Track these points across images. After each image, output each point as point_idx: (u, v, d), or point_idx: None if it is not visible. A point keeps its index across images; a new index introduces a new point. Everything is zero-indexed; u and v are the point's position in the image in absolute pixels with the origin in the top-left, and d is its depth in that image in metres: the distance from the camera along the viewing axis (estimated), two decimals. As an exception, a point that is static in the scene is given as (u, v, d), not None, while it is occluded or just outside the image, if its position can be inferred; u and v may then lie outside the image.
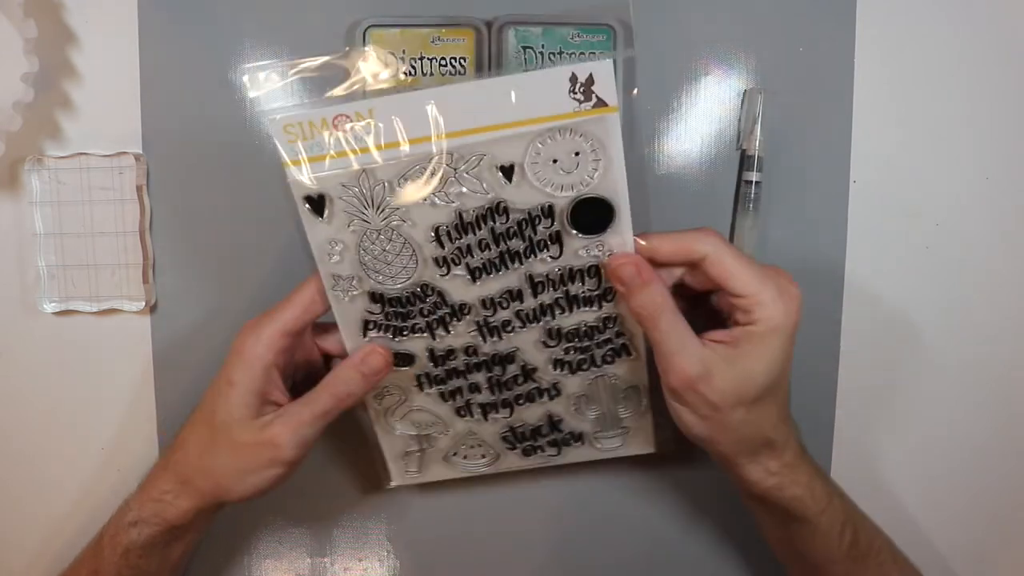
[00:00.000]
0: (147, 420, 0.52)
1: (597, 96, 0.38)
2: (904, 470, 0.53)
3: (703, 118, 0.50)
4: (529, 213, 0.40)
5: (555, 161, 0.39)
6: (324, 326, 0.44)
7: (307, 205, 0.40)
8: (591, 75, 0.37)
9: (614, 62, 0.37)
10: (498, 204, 0.40)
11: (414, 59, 0.48)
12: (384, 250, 0.41)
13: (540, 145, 0.39)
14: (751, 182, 0.50)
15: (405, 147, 0.38)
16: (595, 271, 0.42)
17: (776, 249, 0.51)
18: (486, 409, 0.46)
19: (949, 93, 0.51)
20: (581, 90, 0.38)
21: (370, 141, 0.38)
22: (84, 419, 0.52)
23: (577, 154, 0.39)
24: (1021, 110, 0.51)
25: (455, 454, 0.48)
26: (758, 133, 0.49)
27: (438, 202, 0.40)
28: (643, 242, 0.41)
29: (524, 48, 0.48)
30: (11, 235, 0.51)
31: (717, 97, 0.50)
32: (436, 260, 0.41)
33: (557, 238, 0.41)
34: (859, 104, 0.50)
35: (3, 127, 0.47)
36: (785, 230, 0.51)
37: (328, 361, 0.46)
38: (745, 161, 0.50)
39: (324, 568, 0.54)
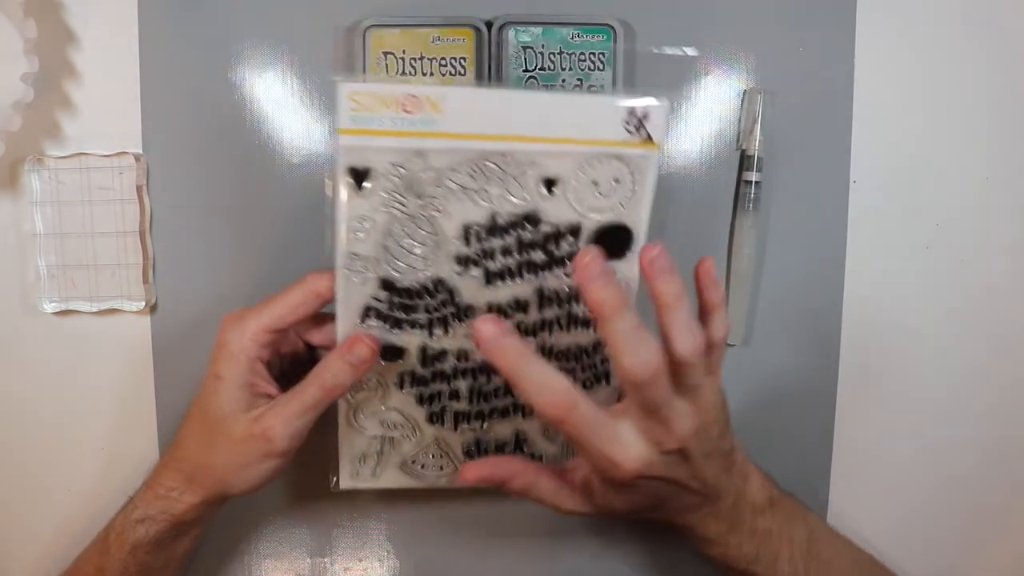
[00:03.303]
0: (147, 420, 0.52)
1: (647, 131, 0.39)
2: (904, 470, 0.53)
3: (703, 118, 0.50)
4: (558, 229, 0.41)
5: (595, 183, 0.40)
6: (314, 321, 0.44)
7: (350, 178, 0.39)
8: (647, 111, 0.39)
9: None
10: (532, 214, 0.41)
11: (414, 59, 0.48)
12: (411, 238, 0.41)
13: (587, 166, 0.40)
14: (751, 182, 0.50)
15: (465, 141, 0.39)
16: None
17: (776, 249, 0.51)
18: (459, 419, 0.46)
19: (949, 93, 0.51)
20: (635, 123, 0.39)
21: (432, 127, 0.38)
22: (84, 419, 0.52)
23: (616, 181, 0.40)
24: (1021, 110, 0.51)
25: (414, 462, 0.48)
26: (758, 133, 0.49)
27: (479, 200, 0.40)
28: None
29: (524, 48, 0.48)
30: (11, 235, 0.51)
31: (717, 97, 0.50)
32: (458, 257, 0.41)
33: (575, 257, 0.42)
34: (859, 104, 0.50)
35: (3, 127, 0.47)
36: (785, 230, 0.51)
37: (313, 350, 0.46)
38: (745, 161, 0.50)
39: (324, 568, 0.54)
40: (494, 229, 0.41)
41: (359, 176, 0.39)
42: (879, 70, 0.50)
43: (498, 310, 0.43)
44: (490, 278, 0.42)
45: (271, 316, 0.42)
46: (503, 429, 0.47)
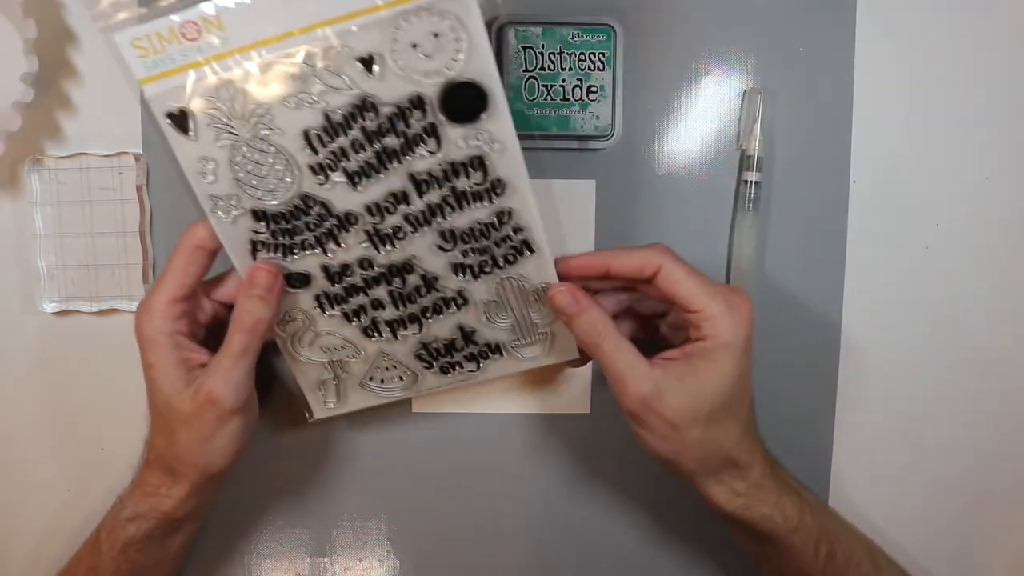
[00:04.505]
0: (147, 420, 0.52)
1: None
2: (904, 470, 0.53)
3: (703, 118, 0.50)
4: (398, 106, 0.38)
5: (415, 46, 0.37)
6: (216, 280, 0.44)
7: (170, 122, 0.38)
8: None
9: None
10: (364, 99, 0.38)
11: None
12: (257, 163, 0.39)
13: (396, 30, 0.37)
14: (751, 182, 0.50)
15: (259, 49, 0.37)
16: (479, 163, 0.40)
17: (776, 249, 0.51)
18: (394, 326, 0.45)
19: (949, 93, 0.51)
20: None
21: (222, 47, 0.37)
22: (84, 419, 0.52)
23: (437, 36, 0.37)
24: (1021, 110, 0.51)
25: (371, 379, 0.47)
26: (758, 133, 0.49)
27: (304, 104, 0.38)
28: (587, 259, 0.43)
29: (524, 48, 0.48)
30: (11, 235, 0.51)
31: (717, 97, 0.50)
32: (312, 168, 0.40)
33: (433, 130, 0.39)
34: (859, 104, 0.50)
35: (3, 127, 0.47)
36: (785, 230, 0.51)
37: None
38: (745, 161, 0.50)
39: (324, 568, 0.54)
40: (333, 128, 0.39)
41: (179, 120, 0.38)
42: (879, 70, 0.50)
43: (377, 209, 0.41)
44: (354, 179, 0.40)
45: (170, 286, 0.41)
46: (443, 326, 0.45)
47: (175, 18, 0.36)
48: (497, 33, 0.48)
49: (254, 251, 0.42)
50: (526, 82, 0.48)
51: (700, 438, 0.41)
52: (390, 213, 0.41)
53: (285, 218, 0.41)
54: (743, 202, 0.50)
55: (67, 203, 0.50)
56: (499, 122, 0.39)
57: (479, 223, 0.42)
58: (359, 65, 0.37)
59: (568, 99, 0.48)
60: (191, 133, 0.39)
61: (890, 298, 0.52)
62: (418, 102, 0.38)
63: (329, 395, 0.47)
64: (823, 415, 0.52)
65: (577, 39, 0.48)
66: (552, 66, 0.48)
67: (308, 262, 0.42)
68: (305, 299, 0.44)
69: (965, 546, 0.54)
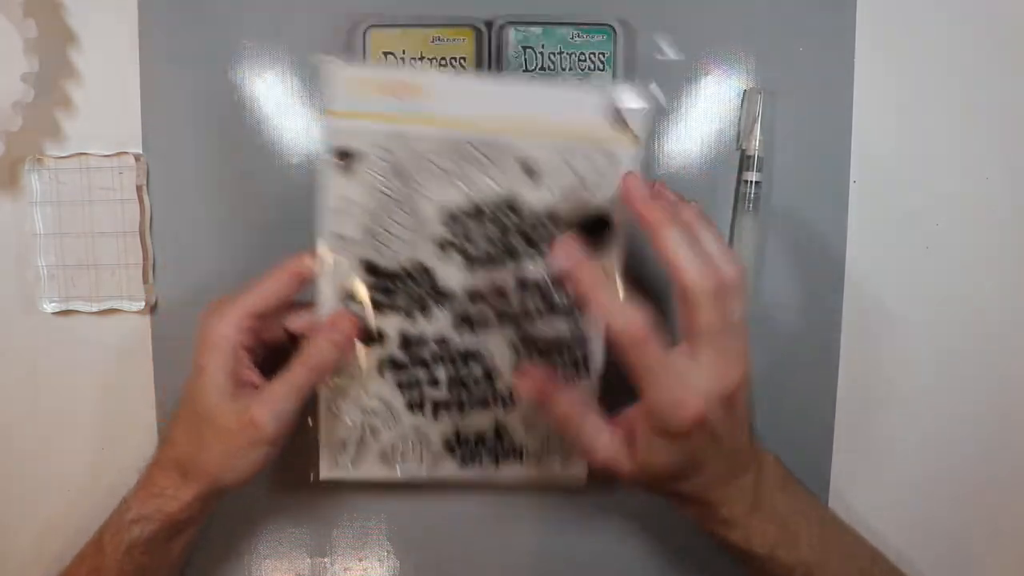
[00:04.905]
0: (147, 420, 0.52)
1: (630, 125, 0.41)
2: (903, 469, 0.53)
3: (703, 118, 0.50)
4: (537, 216, 0.42)
5: (576, 173, 0.41)
6: (293, 307, 0.44)
7: (336, 158, 0.41)
8: (631, 105, 0.41)
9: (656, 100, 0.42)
10: (512, 200, 0.42)
11: (414, 59, 0.48)
12: (393, 219, 0.42)
13: (568, 155, 0.41)
14: (751, 182, 0.50)
15: (447, 126, 0.40)
16: None
17: (776, 249, 0.51)
18: (438, 407, 0.46)
19: (949, 93, 0.51)
20: (618, 115, 0.41)
21: (417, 112, 0.40)
22: (84, 419, 0.52)
23: (597, 172, 0.41)
24: (1021, 110, 0.51)
25: (393, 451, 0.47)
26: (758, 133, 0.49)
27: (460, 185, 0.41)
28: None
29: (524, 48, 0.48)
30: (11, 235, 0.51)
31: (717, 97, 0.50)
32: (438, 241, 0.42)
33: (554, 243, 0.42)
34: (859, 104, 0.50)
35: (3, 127, 0.47)
36: (785, 230, 0.51)
37: (293, 340, 0.45)
38: (745, 161, 0.50)
39: (324, 568, 0.54)
40: (474, 214, 0.42)
41: (346, 158, 0.41)
42: (879, 70, 0.50)
43: (476, 296, 0.43)
44: (470, 262, 0.43)
45: (252, 302, 0.42)
46: (482, 420, 0.46)
47: (387, 72, 0.40)
48: (497, 33, 0.48)
49: (346, 297, 0.43)
50: (526, 82, 0.48)
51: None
52: (485, 303, 0.43)
53: (391, 277, 0.43)
54: (743, 202, 0.50)
55: (67, 203, 0.50)
56: (610, 253, 0.42)
57: (557, 337, 0.44)
58: (519, 168, 0.41)
59: (568, 99, 0.48)
60: (350, 174, 0.41)
61: (890, 298, 0.52)
62: (554, 218, 0.42)
63: (344, 457, 0.47)
64: (823, 415, 0.52)
65: (577, 39, 0.48)
66: (552, 66, 0.48)
67: (390, 323, 0.44)
68: (369, 356, 0.45)
69: (966, 547, 0.54)
